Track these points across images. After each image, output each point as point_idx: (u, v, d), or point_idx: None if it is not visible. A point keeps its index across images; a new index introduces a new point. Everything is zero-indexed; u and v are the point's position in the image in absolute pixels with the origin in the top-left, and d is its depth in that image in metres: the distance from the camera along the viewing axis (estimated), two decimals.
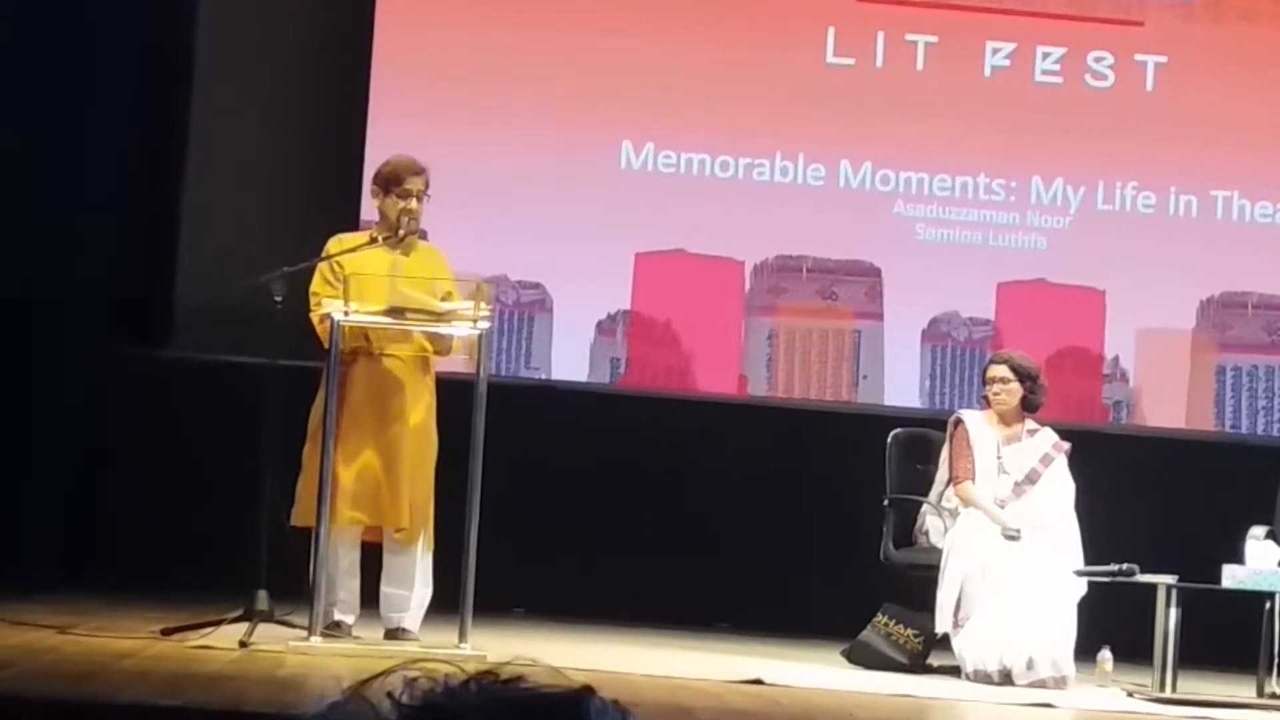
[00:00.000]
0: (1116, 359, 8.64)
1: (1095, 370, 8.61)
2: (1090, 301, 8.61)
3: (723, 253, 8.57)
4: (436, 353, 6.43)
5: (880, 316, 8.61)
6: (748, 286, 8.56)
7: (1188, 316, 8.65)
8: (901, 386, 8.60)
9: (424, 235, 6.60)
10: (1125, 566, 6.69)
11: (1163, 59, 8.72)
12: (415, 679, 1.02)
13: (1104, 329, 8.62)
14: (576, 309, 8.49)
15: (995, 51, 8.69)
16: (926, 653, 7.04)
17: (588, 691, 1.05)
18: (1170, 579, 6.64)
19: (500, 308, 8.11)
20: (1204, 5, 8.74)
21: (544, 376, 8.50)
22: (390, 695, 1.02)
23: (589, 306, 8.52)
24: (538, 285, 8.48)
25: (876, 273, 8.59)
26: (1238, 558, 6.80)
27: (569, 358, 8.51)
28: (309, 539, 6.20)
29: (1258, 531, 7.01)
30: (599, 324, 8.52)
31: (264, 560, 6.23)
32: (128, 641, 5.90)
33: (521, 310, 8.47)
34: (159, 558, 7.87)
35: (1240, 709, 6.48)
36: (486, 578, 6.23)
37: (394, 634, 6.37)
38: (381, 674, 1.03)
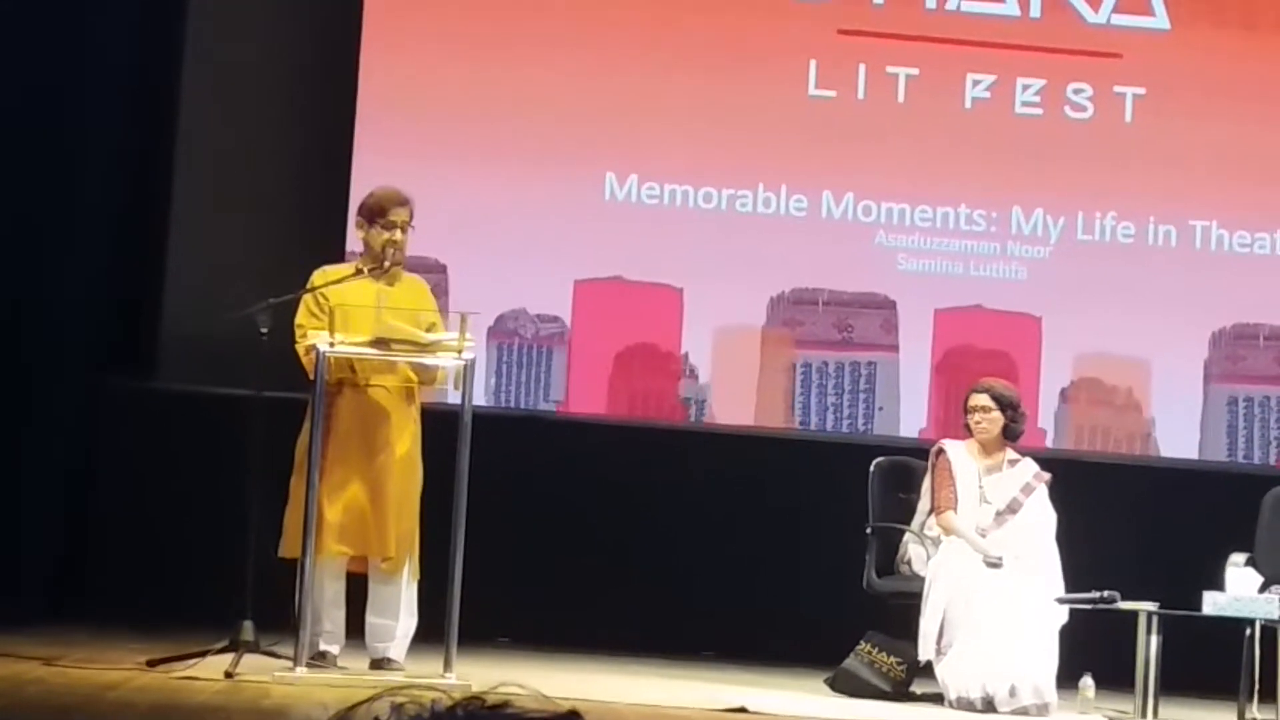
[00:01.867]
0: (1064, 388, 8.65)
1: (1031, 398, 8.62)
2: (1029, 329, 8.65)
3: (712, 282, 8.60)
4: (422, 383, 6.46)
5: (896, 349, 8.62)
6: (764, 319, 8.59)
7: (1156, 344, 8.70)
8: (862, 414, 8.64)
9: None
10: (1106, 594, 6.72)
11: (1141, 90, 8.78)
12: (402, 705, 1.04)
13: (1040, 356, 8.64)
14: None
15: (975, 83, 8.75)
16: (910, 680, 7.06)
17: (573, 716, 1.07)
18: (1151, 606, 6.67)
19: (512, 340, 8.14)
20: (1181, 37, 8.81)
21: (537, 407, 8.52)
22: None
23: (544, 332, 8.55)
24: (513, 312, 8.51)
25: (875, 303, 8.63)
26: (1218, 584, 6.84)
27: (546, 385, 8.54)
28: (294, 569, 6.21)
29: (1238, 558, 7.05)
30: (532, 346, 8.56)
31: (249, 591, 6.24)
32: (114, 673, 5.90)
33: (540, 343, 8.51)
34: (145, 589, 7.87)
35: None
36: (472, 607, 6.25)
37: (379, 664, 6.38)
38: (367, 700, 1.05)
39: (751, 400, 8.66)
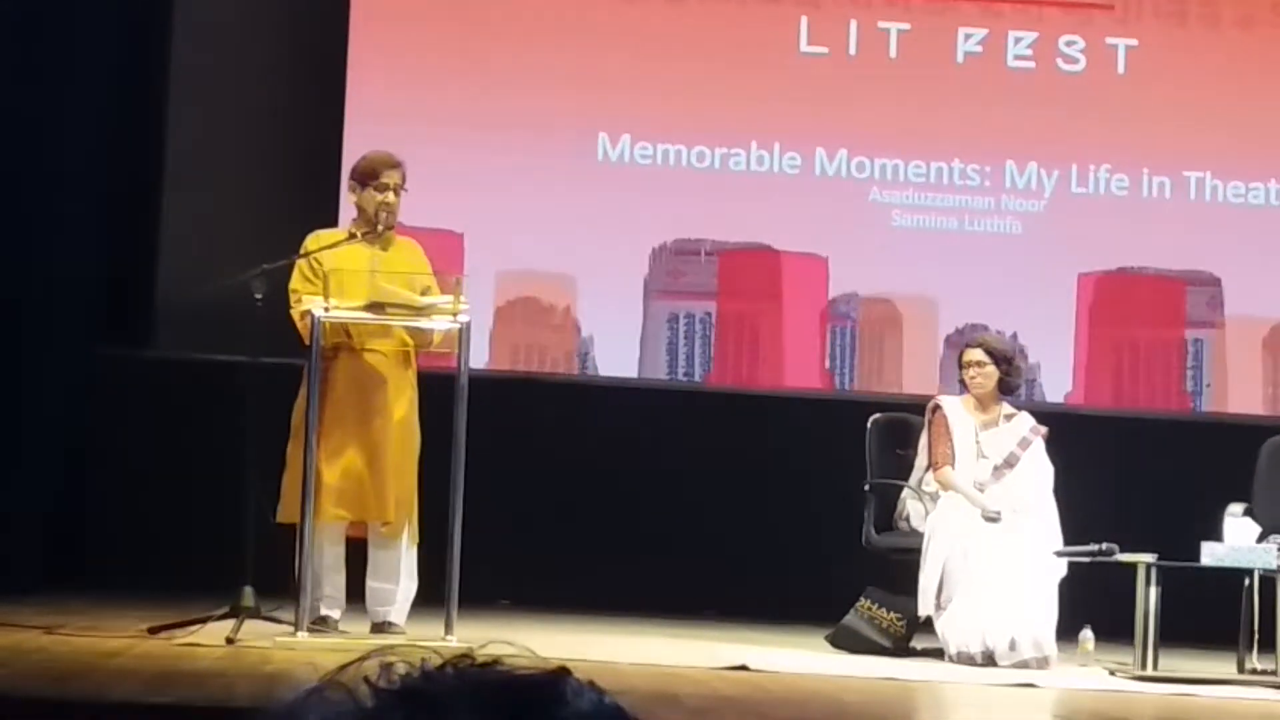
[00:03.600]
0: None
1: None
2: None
3: (708, 236, 8.60)
4: (418, 347, 6.46)
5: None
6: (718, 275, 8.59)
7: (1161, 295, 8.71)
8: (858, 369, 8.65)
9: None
10: (1105, 546, 6.73)
11: (1133, 42, 8.77)
12: (392, 664, 1.04)
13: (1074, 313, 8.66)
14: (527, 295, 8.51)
15: (967, 38, 8.73)
16: (910, 636, 7.08)
17: (564, 672, 1.07)
18: (1149, 558, 6.68)
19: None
20: None
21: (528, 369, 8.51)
22: (367, 680, 1.04)
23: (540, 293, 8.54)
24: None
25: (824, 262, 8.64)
26: (1216, 535, 6.85)
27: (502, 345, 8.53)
28: (294, 535, 6.22)
29: (1236, 509, 7.06)
30: (498, 311, 8.54)
31: (250, 557, 6.25)
32: (115, 640, 5.91)
33: None
34: (145, 556, 7.89)
35: (1221, 685, 6.52)
36: (472, 570, 6.26)
37: (380, 628, 6.40)
38: (358, 660, 1.05)
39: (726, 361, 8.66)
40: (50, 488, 8.13)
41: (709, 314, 8.63)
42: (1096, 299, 8.70)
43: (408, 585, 6.43)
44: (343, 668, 1.05)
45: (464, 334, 6.23)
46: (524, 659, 1.07)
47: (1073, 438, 7.42)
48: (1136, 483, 8.28)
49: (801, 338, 8.65)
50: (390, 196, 6.43)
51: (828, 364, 8.67)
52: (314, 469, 6.19)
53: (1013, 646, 6.73)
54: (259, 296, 6.31)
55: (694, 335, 8.63)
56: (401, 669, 1.04)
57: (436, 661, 1.05)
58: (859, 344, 8.67)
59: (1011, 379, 7.21)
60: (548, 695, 1.05)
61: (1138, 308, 8.73)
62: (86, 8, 8.18)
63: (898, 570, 7.05)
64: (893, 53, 8.69)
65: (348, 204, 6.89)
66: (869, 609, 7.10)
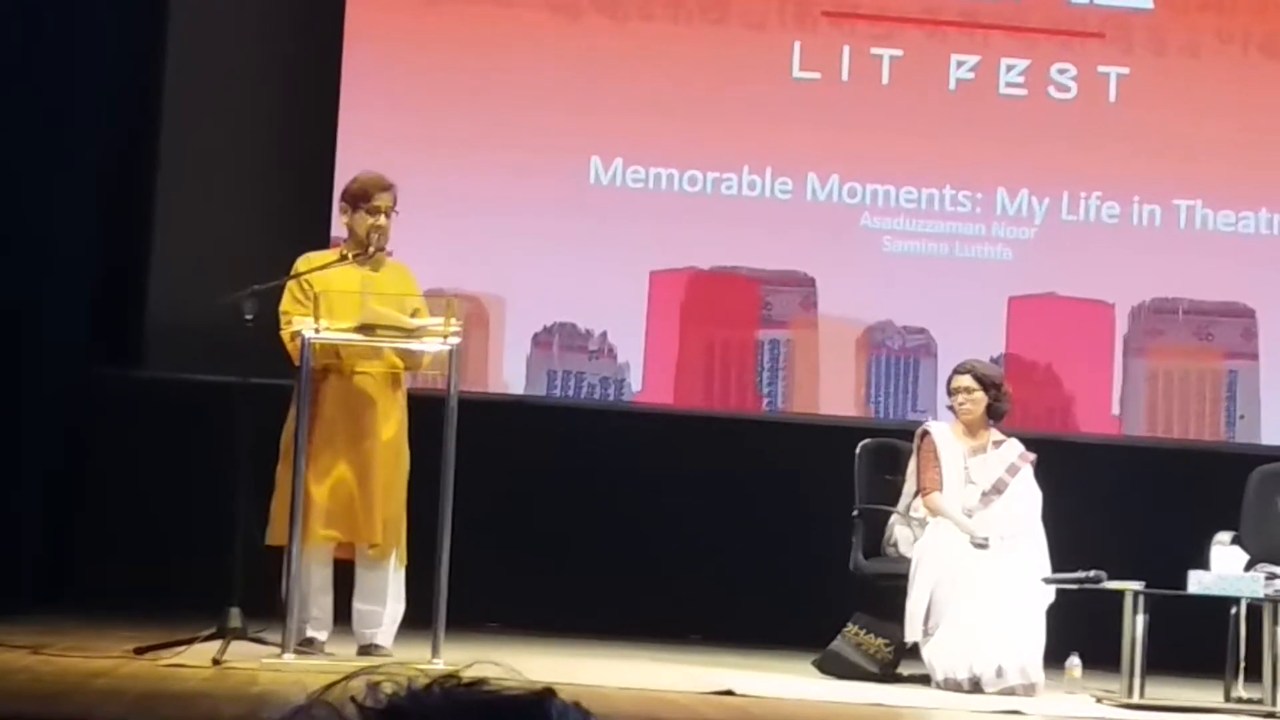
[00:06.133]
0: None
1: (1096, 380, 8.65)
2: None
3: (703, 266, 8.62)
4: (407, 369, 6.46)
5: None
6: (762, 300, 8.61)
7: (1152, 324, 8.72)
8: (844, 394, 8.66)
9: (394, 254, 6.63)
10: (1092, 573, 6.74)
11: (1125, 70, 8.80)
12: (378, 683, 1.05)
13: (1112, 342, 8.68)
14: (520, 320, 8.51)
15: (960, 65, 8.75)
16: (897, 662, 7.08)
17: (549, 693, 1.08)
18: (1137, 585, 6.68)
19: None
20: (1163, 16, 8.82)
21: (498, 391, 8.50)
22: (354, 699, 1.04)
23: (530, 318, 8.53)
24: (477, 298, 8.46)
25: (811, 282, 8.64)
26: (1203, 563, 6.86)
27: (512, 370, 8.52)
28: (281, 556, 6.21)
29: (1223, 537, 7.07)
30: (535, 336, 8.55)
31: (237, 578, 6.24)
32: (101, 660, 5.90)
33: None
34: (132, 577, 7.87)
35: (1209, 714, 6.53)
36: (460, 593, 6.26)
37: (367, 650, 6.39)
38: (345, 679, 1.06)
39: (749, 384, 8.67)
40: (39, 507, 8.12)
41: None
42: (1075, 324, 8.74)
43: (395, 608, 6.42)
44: (329, 687, 1.06)
45: (454, 356, 6.23)
46: (510, 680, 1.08)
47: (1060, 465, 7.43)
48: (1124, 510, 8.28)
49: (813, 364, 8.65)
50: (382, 219, 6.44)
51: (841, 390, 8.67)
52: (302, 490, 6.19)
53: (1000, 673, 6.72)
54: (249, 317, 6.31)
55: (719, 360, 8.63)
56: (388, 688, 1.05)
57: (423, 681, 1.06)
58: (889, 370, 8.66)
59: (999, 405, 7.22)
60: (533, 715, 1.06)
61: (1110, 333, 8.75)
62: (82, 29, 8.19)
63: (885, 596, 7.05)
64: (885, 79, 8.72)
65: (339, 225, 6.90)
66: (856, 634, 7.09)
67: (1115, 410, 8.74)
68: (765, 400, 8.66)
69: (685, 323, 8.63)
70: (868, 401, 8.65)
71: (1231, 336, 8.75)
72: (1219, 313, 8.74)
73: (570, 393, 8.56)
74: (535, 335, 8.53)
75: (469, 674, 1.07)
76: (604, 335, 8.57)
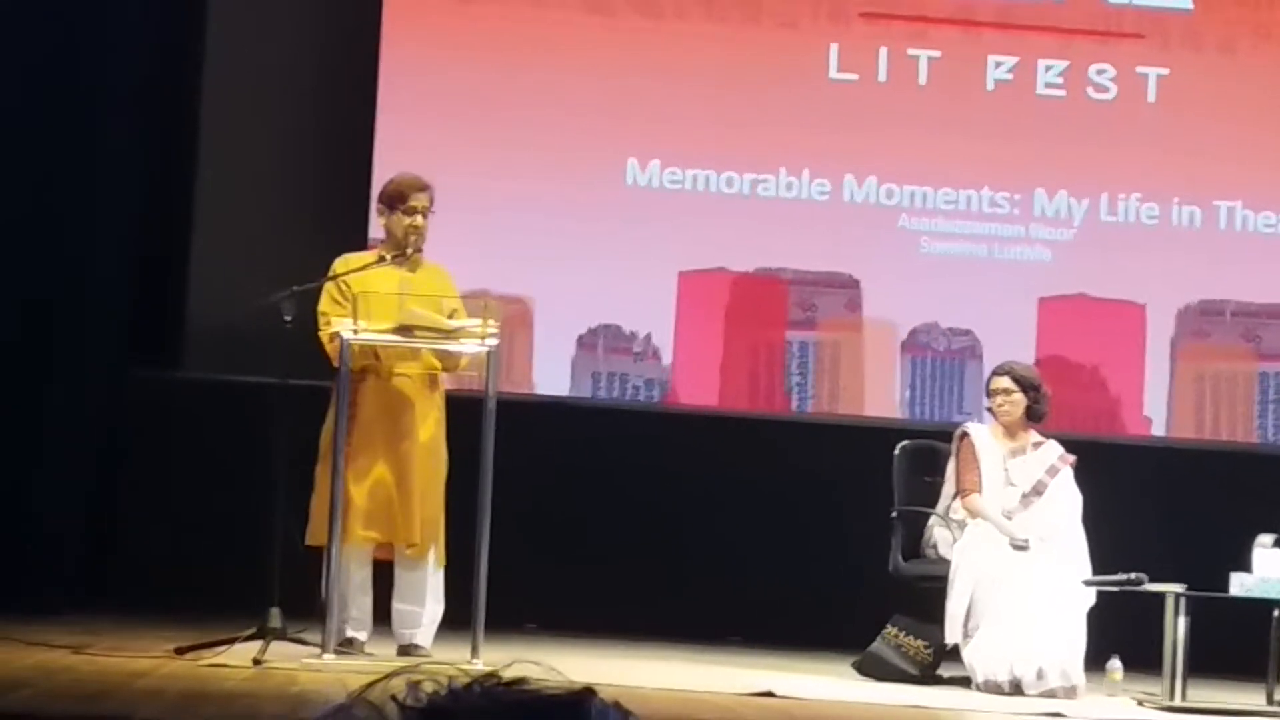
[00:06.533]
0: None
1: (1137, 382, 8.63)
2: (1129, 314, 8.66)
3: (740, 267, 8.60)
4: (445, 370, 6.47)
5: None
6: (791, 301, 8.59)
7: (1197, 325, 8.68)
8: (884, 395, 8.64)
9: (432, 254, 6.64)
10: (1134, 576, 6.71)
11: (1164, 70, 8.75)
12: (419, 682, 1.05)
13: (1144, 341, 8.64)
14: (559, 322, 8.50)
15: (997, 65, 8.72)
16: (937, 664, 7.06)
17: (589, 693, 1.08)
18: (1178, 588, 6.65)
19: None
20: (1203, 16, 8.77)
21: (537, 392, 8.50)
22: (394, 698, 1.04)
23: (569, 320, 8.52)
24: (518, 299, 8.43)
25: (855, 284, 8.61)
26: (1246, 566, 6.82)
27: (551, 371, 8.51)
28: (321, 556, 6.23)
29: (1265, 539, 7.03)
30: (580, 338, 8.54)
31: (277, 578, 6.26)
32: (142, 661, 5.93)
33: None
34: (173, 577, 7.90)
35: (1250, 717, 6.49)
36: (498, 593, 6.27)
37: (406, 650, 6.40)
38: (385, 677, 1.06)
39: (763, 385, 8.66)
40: (80, 508, 8.16)
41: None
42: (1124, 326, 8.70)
43: (434, 608, 6.43)
44: (369, 686, 1.06)
45: (492, 357, 6.24)
46: (550, 680, 1.08)
47: (1102, 466, 7.40)
48: (1165, 512, 8.24)
49: (860, 366, 8.63)
50: (419, 220, 6.45)
51: (880, 392, 8.65)
52: (341, 491, 6.21)
53: (1040, 675, 6.70)
54: (288, 318, 6.33)
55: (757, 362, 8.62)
56: (429, 687, 1.05)
57: (464, 681, 1.06)
58: (933, 372, 8.63)
59: (1038, 406, 7.20)
60: (574, 714, 1.06)
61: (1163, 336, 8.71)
62: (120, 30, 8.22)
63: (925, 598, 7.03)
64: (922, 80, 8.70)
65: (377, 226, 6.91)
66: (896, 636, 7.08)
67: (1155, 412, 8.70)
68: (799, 401, 8.64)
69: (723, 324, 8.62)
70: (911, 404, 8.62)
71: (1279, 339, 8.71)
72: (1267, 315, 8.70)
73: (615, 394, 8.56)
74: (580, 337, 8.53)
75: (509, 673, 1.07)
76: (648, 337, 8.57)
